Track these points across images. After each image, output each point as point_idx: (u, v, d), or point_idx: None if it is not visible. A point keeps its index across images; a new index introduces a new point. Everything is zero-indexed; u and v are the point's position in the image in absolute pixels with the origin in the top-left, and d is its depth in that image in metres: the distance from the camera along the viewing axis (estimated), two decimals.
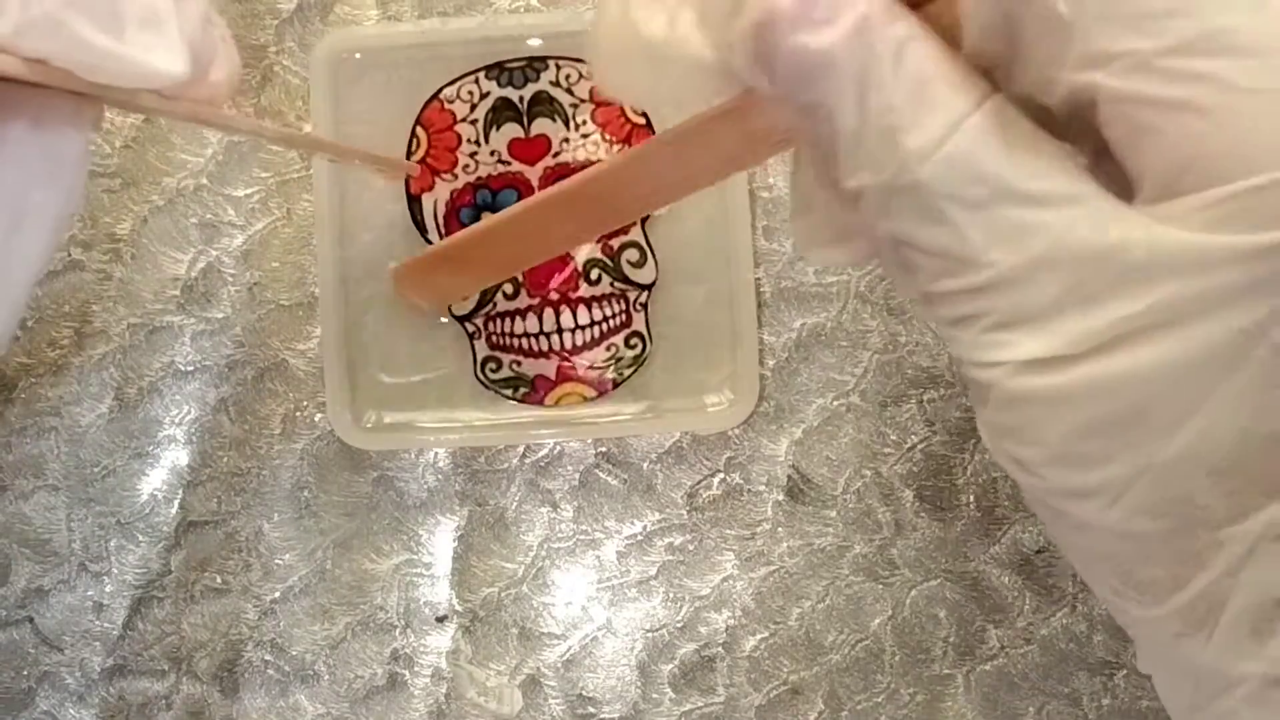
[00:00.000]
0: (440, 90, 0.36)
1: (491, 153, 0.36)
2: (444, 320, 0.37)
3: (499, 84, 0.36)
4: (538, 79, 0.36)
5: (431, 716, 0.38)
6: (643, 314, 0.37)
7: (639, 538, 0.38)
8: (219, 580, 0.38)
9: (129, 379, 0.38)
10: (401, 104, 0.37)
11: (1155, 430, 0.17)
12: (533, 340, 0.37)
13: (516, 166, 0.36)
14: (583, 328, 0.37)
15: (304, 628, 0.38)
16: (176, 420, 0.38)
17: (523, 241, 0.31)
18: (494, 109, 0.36)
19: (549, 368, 0.37)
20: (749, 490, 0.38)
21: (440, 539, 0.38)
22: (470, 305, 0.37)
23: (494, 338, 0.37)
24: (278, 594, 0.38)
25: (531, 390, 0.37)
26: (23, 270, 0.22)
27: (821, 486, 0.38)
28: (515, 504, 0.38)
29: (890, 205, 0.18)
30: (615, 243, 0.36)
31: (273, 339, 0.38)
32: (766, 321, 0.37)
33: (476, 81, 0.36)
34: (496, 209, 0.36)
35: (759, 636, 0.38)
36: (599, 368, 0.37)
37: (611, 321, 0.37)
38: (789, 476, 0.38)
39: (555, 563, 0.38)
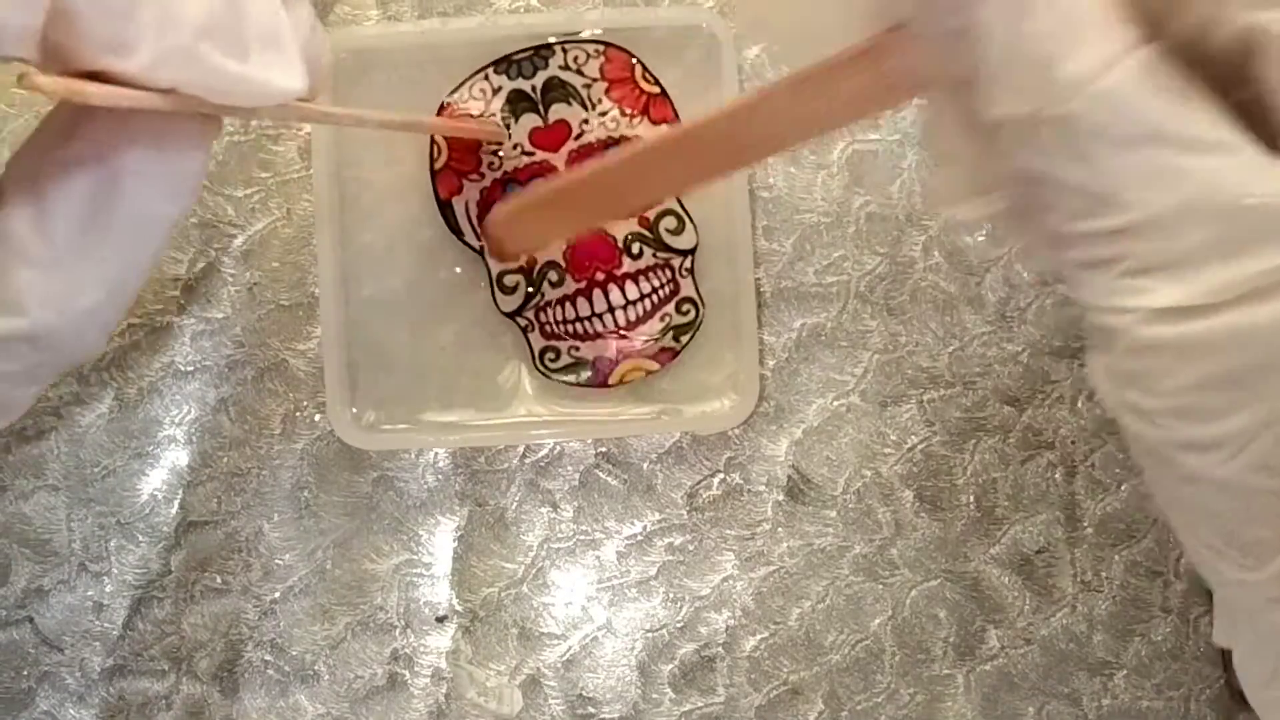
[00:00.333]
0: (449, 96, 0.36)
1: (514, 146, 0.36)
2: (441, 319, 0.37)
3: (509, 77, 0.36)
4: (547, 66, 0.36)
5: (431, 716, 0.38)
6: (690, 279, 0.37)
7: (639, 538, 0.38)
8: (219, 580, 0.38)
9: (129, 379, 0.38)
10: (401, 104, 0.36)
11: None
12: (586, 324, 0.36)
13: (541, 155, 0.36)
14: (633, 303, 0.36)
15: (304, 628, 0.38)
16: (176, 420, 0.38)
17: (629, 186, 0.30)
18: (509, 102, 0.36)
19: (608, 348, 0.37)
20: (749, 490, 0.38)
21: (440, 539, 0.38)
22: (518, 300, 0.37)
23: (548, 327, 0.37)
24: (278, 594, 0.38)
25: (594, 373, 0.37)
26: (138, 279, 0.23)
27: (821, 486, 0.38)
28: (515, 504, 0.38)
29: (1034, 138, 0.17)
30: (651, 214, 0.36)
31: (273, 339, 0.38)
32: (766, 321, 0.38)
33: (486, 78, 0.36)
34: None
35: (759, 636, 0.38)
36: (656, 338, 0.37)
37: (661, 292, 0.37)
38: (789, 476, 0.38)
39: (555, 563, 0.38)
